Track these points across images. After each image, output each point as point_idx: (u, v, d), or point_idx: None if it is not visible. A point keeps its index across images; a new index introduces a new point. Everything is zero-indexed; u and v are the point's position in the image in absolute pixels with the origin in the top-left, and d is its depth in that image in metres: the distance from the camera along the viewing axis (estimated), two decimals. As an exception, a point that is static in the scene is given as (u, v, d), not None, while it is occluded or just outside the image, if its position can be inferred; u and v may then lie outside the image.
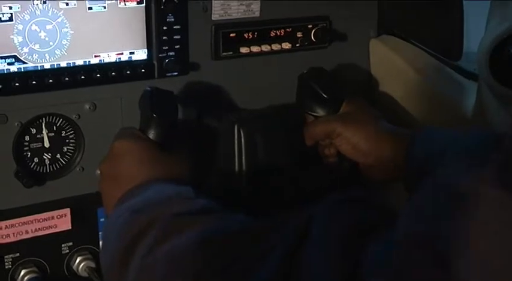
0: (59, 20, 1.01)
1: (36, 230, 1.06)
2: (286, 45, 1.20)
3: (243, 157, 1.08)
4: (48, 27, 1.00)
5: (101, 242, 1.11)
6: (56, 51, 1.02)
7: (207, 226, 0.69)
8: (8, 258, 1.05)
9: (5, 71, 0.99)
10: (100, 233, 1.10)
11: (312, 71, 1.14)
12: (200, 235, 0.67)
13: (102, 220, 1.10)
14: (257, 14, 1.17)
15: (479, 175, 0.46)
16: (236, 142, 1.08)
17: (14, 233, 1.04)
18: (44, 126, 1.05)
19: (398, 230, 0.49)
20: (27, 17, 0.99)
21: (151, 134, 0.93)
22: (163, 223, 0.72)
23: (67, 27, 1.02)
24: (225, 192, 1.10)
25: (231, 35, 1.15)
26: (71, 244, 1.09)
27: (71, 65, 1.04)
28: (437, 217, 0.47)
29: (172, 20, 1.09)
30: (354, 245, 0.53)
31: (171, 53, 1.10)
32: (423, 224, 0.47)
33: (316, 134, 1.11)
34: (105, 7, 1.03)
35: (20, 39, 0.99)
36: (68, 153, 1.08)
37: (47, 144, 1.06)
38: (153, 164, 0.88)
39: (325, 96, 1.10)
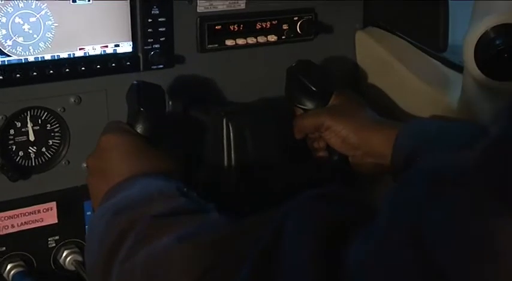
0: (43, 12, 1.00)
1: (22, 224, 1.05)
2: (272, 38, 1.20)
3: (232, 151, 1.07)
4: (32, 19, 1.00)
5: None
6: (40, 44, 1.01)
7: (186, 228, 0.68)
8: (-7, 252, 1.05)
9: (-11, 64, 0.98)
10: (87, 226, 1.10)
11: (300, 63, 1.14)
12: (177, 239, 0.66)
13: (88, 213, 1.10)
14: (243, 6, 1.17)
15: (462, 163, 0.47)
16: (225, 135, 1.07)
17: (-1, 227, 1.04)
18: (28, 120, 1.04)
19: (380, 221, 0.49)
20: (10, 10, 0.98)
21: (139, 128, 0.93)
22: (143, 225, 0.71)
23: (51, 20, 1.01)
24: (213, 187, 1.09)
25: (217, 27, 1.15)
26: (57, 237, 1.09)
27: (56, 58, 1.03)
28: (418, 205, 0.47)
29: (157, 12, 1.08)
30: (332, 241, 0.52)
31: (156, 46, 1.09)
32: (405, 213, 0.47)
33: (305, 127, 1.10)
34: (89, -1, 1.03)
35: (4, 32, 0.98)
36: (53, 146, 1.07)
37: (32, 137, 1.05)
38: (140, 158, 0.88)
39: (314, 89, 1.10)
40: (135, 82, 0.98)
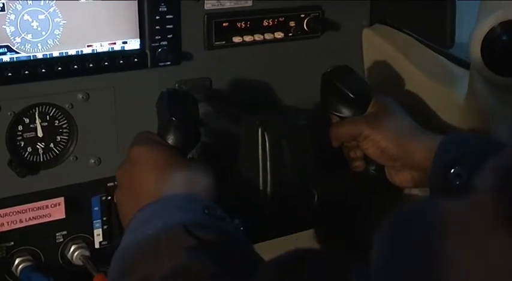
0: (51, 10, 1.01)
1: (30, 219, 1.06)
2: (279, 35, 1.20)
3: (268, 162, 0.99)
4: (41, 17, 1.01)
5: (96, 235, 1.12)
6: (48, 41, 1.02)
7: None
8: (2, 247, 1.05)
9: (-2, 61, 0.99)
10: (94, 221, 1.11)
11: (336, 69, 1.09)
12: None
13: (96, 208, 1.11)
14: (250, 3, 1.18)
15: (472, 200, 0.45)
16: (260, 146, 0.99)
17: (8, 222, 1.05)
18: (37, 116, 1.05)
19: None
20: (19, 7, 0.99)
21: (170, 139, 0.88)
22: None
23: (59, 17, 1.02)
24: (243, 198, 1.02)
25: (224, 24, 1.16)
26: (65, 232, 1.10)
27: (64, 54, 1.04)
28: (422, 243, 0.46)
29: (165, 9, 1.09)
30: None
31: (164, 43, 1.10)
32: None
33: (341, 135, 1.06)
34: (97, -4, 1.04)
35: (12, 29, 0.99)
36: (62, 142, 1.08)
37: (40, 133, 1.06)
38: (171, 175, 0.82)
39: (351, 96, 1.05)
40: (165, 90, 0.93)
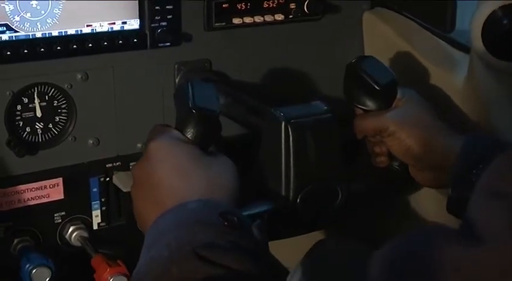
0: (51, -12, 1.01)
1: (28, 199, 1.06)
2: (279, 17, 1.20)
3: (291, 159, 0.93)
4: (40, -5, 1.00)
5: (94, 216, 1.12)
6: (47, 20, 1.02)
7: None
8: (0, 227, 1.05)
9: (-4, 40, 0.99)
10: (92, 202, 1.11)
11: (361, 59, 1.05)
12: None
13: (94, 189, 1.11)
14: (250, -16, 1.17)
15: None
16: (283, 141, 0.94)
17: (6, 202, 1.04)
18: (36, 96, 1.05)
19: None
20: (18, -15, 0.98)
21: (189, 133, 0.84)
22: None
23: (59, -4, 1.01)
24: (264, 196, 0.97)
25: (224, 5, 1.15)
26: (63, 213, 1.10)
27: (63, 34, 1.03)
28: None
29: (165, -11, 1.09)
30: None
31: (164, 23, 1.09)
32: None
33: (366, 129, 1.03)
34: (97, -24, 1.03)
35: (12, 7, 0.99)
36: (60, 122, 1.08)
37: (39, 113, 1.05)
38: (192, 175, 0.79)
39: (376, 88, 1.01)
40: (184, 81, 0.90)
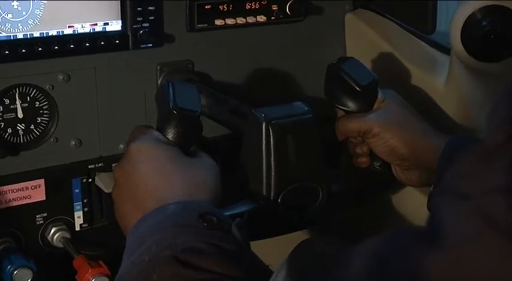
0: (32, -11, 1.01)
1: (10, 200, 1.06)
2: (261, 18, 1.20)
3: (272, 160, 0.94)
4: (21, -4, 1.00)
5: (76, 217, 1.11)
6: (28, 21, 1.01)
7: None
8: (-18, 228, 1.05)
9: (-23, 40, 0.98)
10: (74, 203, 1.11)
11: (342, 61, 1.05)
12: None
13: (76, 190, 1.10)
14: (232, -14, 1.17)
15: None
16: (264, 143, 0.94)
17: (-13, 203, 1.04)
18: (17, 97, 1.04)
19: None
20: (-1, -14, 0.98)
21: (170, 134, 0.84)
22: None
23: (40, -3, 1.01)
24: (247, 200, 0.97)
25: (206, 7, 1.15)
26: (45, 214, 1.09)
27: (44, 35, 1.03)
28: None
29: (147, -10, 1.09)
30: None
31: (146, 25, 1.09)
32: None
33: (348, 130, 1.04)
34: (78, -23, 1.03)
35: (-8, 8, 0.99)
36: (42, 124, 1.08)
37: (20, 114, 1.05)
38: (173, 176, 0.80)
39: (358, 89, 1.01)
40: (165, 82, 0.89)
